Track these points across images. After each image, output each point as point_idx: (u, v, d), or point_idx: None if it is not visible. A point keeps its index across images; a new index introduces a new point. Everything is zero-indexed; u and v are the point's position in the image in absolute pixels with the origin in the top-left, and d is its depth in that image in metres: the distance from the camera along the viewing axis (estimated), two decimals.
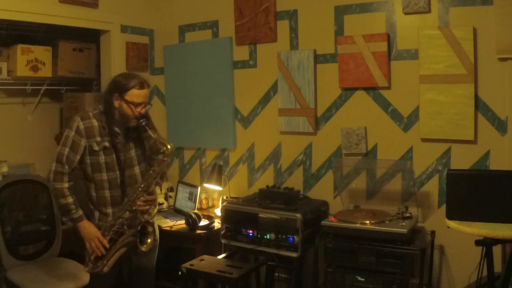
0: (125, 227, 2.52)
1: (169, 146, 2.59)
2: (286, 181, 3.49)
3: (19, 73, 3.63)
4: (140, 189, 2.54)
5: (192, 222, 3.26)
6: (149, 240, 2.59)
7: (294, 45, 3.40)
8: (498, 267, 2.58)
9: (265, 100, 3.56)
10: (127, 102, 2.49)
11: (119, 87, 2.51)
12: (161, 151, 2.68)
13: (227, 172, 3.77)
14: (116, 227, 2.52)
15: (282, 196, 3.03)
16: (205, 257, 2.98)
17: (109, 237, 2.52)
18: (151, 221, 2.64)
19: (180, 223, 3.41)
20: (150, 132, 2.54)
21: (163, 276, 3.91)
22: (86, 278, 3.02)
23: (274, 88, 3.51)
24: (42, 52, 3.74)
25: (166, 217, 3.60)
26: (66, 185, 2.50)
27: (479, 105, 2.77)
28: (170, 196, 3.99)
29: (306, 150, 3.40)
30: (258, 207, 3.04)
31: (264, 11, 3.47)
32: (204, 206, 3.82)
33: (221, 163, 3.74)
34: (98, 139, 2.53)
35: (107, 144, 2.54)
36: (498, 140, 2.73)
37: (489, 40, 2.70)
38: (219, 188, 3.59)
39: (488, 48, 2.71)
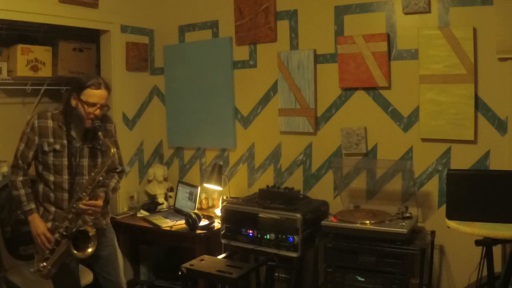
0: (69, 230, 2.45)
1: (112, 150, 2.52)
2: (286, 181, 3.49)
3: (19, 73, 3.63)
4: (83, 192, 2.47)
5: (192, 222, 3.26)
6: (89, 249, 2.46)
7: (294, 45, 3.40)
8: (498, 267, 2.58)
9: (265, 100, 3.56)
10: (81, 101, 2.48)
11: (77, 86, 2.50)
12: (116, 167, 2.70)
13: (227, 172, 3.77)
14: (61, 229, 2.46)
15: (282, 196, 3.03)
16: (205, 257, 2.98)
17: (55, 238, 2.46)
18: (90, 225, 2.53)
19: (180, 223, 3.41)
20: (100, 133, 2.51)
21: (163, 276, 3.92)
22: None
23: (274, 88, 3.51)
24: (42, 52, 3.73)
25: (166, 217, 3.60)
26: (20, 178, 2.51)
27: (479, 105, 2.77)
28: (170, 196, 3.99)
29: (306, 150, 3.40)
30: (258, 207, 3.04)
31: (264, 11, 3.47)
32: (204, 206, 3.82)
33: (221, 163, 3.74)
34: (51, 140, 2.51)
35: (58, 146, 2.51)
36: (498, 140, 2.73)
37: (489, 40, 2.70)
38: (219, 188, 3.59)
39: (488, 48, 2.71)
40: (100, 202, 2.53)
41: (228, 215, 3.12)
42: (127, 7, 3.88)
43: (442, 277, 2.96)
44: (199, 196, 3.70)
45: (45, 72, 3.78)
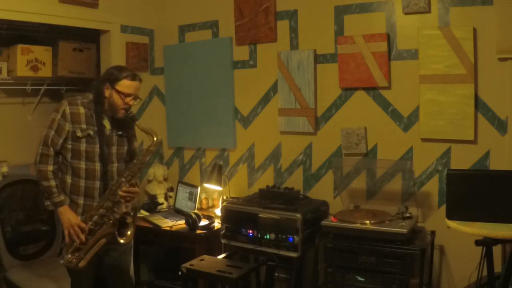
0: (105, 218, 2.51)
1: (155, 138, 2.61)
2: (286, 181, 3.49)
3: (19, 73, 3.63)
4: (123, 178, 2.54)
5: (192, 222, 3.26)
6: (128, 232, 2.55)
7: (294, 45, 3.40)
8: (498, 267, 2.58)
9: (265, 100, 3.56)
10: (117, 91, 2.54)
11: (111, 77, 2.56)
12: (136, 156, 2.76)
13: (227, 172, 3.77)
14: (96, 218, 2.50)
15: (282, 196, 3.03)
16: (205, 257, 2.98)
17: (88, 228, 2.48)
18: (130, 212, 2.61)
19: (180, 223, 3.41)
20: (137, 123, 2.61)
21: (163, 276, 3.92)
22: None
23: (274, 88, 3.51)
24: (42, 52, 3.74)
25: (166, 217, 3.60)
26: (50, 167, 2.50)
27: (479, 105, 2.77)
28: (170, 196, 3.99)
29: (306, 150, 3.40)
30: (258, 207, 3.04)
31: (264, 11, 3.47)
32: (204, 206, 3.82)
33: (221, 163, 3.74)
34: (83, 126, 2.54)
35: (91, 132, 2.55)
36: (498, 140, 2.73)
37: (489, 40, 2.70)
38: (219, 188, 3.59)
39: (488, 48, 2.71)
40: (138, 189, 2.61)
41: (228, 215, 3.12)
42: (127, 7, 3.88)
43: (442, 277, 2.96)
44: (199, 196, 3.69)
45: (45, 72, 3.78)
